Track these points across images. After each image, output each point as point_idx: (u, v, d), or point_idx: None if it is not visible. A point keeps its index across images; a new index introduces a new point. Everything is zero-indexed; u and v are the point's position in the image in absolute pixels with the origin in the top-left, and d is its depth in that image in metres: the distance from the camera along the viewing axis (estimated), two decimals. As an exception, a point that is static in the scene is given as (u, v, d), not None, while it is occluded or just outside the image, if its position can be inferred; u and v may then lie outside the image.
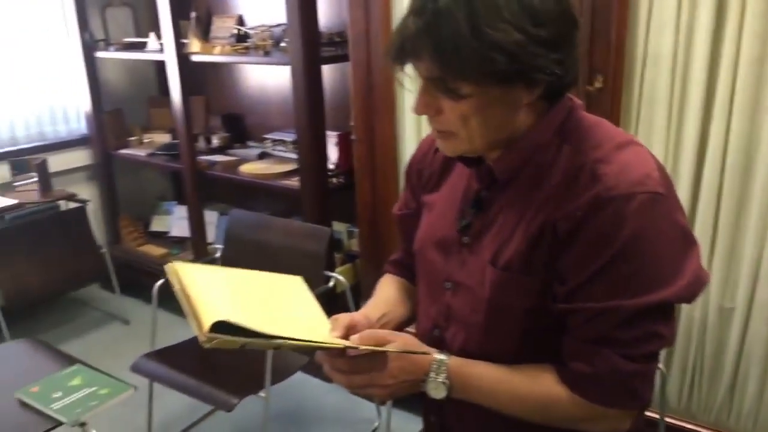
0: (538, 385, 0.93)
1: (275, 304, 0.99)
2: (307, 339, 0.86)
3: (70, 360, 1.65)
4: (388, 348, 0.91)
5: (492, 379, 0.94)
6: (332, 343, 0.89)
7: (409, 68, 0.91)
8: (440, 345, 1.01)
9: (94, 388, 1.47)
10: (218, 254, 2.39)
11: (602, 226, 0.84)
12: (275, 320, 0.92)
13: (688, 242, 0.89)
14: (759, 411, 1.79)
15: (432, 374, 0.93)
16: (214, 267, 1.04)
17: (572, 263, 0.88)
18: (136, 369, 1.97)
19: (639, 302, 0.85)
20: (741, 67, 1.56)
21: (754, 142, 1.60)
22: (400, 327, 1.15)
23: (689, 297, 0.88)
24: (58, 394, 1.46)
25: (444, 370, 0.93)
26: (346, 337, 0.93)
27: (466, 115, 0.87)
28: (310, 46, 2.36)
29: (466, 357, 0.96)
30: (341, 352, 0.90)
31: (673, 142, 1.70)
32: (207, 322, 0.80)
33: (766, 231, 1.64)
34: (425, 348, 0.96)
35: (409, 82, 0.94)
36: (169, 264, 0.93)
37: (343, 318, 0.97)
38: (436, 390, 0.93)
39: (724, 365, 1.81)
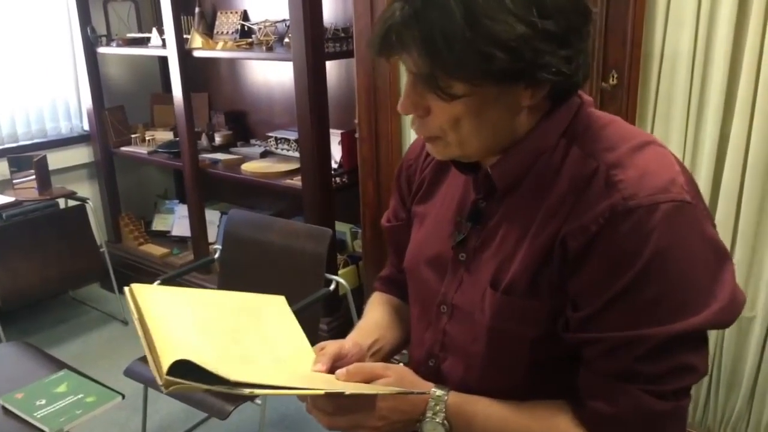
0: (551, 427, 0.82)
1: (251, 334, 0.88)
2: (280, 385, 0.74)
3: (58, 364, 1.59)
4: (379, 387, 0.81)
5: (498, 418, 0.84)
6: (311, 389, 0.77)
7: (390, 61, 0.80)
8: (437, 377, 0.91)
9: (80, 396, 1.41)
10: (217, 255, 2.32)
11: (621, 241, 0.72)
12: (248, 355, 0.82)
13: (721, 258, 0.77)
14: (779, 424, 1.71)
15: (429, 413, 0.83)
16: (182, 289, 0.92)
17: (586, 286, 0.76)
18: (129, 373, 1.91)
19: (667, 331, 0.73)
20: (764, 63, 1.49)
21: (778, 143, 1.53)
22: (394, 351, 1.05)
23: (725, 323, 0.76)
24: (42, 402, 1.40)
25: (442, 409, 0.83)
26: (332, 369, 0.84)
27: (458, 118, 0.76)
28: (313, 41, 2.29)
29: (467, 392, 0.86)
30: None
31: (691, 142, 1.63)
32: (166, 362, 0.69)
33: (789, 236, 1.56)
34: (421, 384, 0.86)
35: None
36: (129, 287, 0.83)
37: (330, 347, 0.87)
38: None
39: (742, 376, 1.73)
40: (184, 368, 0.69)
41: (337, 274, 2.32)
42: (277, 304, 0.98)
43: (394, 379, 0.82)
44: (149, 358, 0.73)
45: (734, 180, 1.58)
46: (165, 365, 0.69)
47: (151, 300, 0.81)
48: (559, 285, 0.78)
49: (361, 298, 2.49)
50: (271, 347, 0.87)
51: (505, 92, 0.75)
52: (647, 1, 1.59)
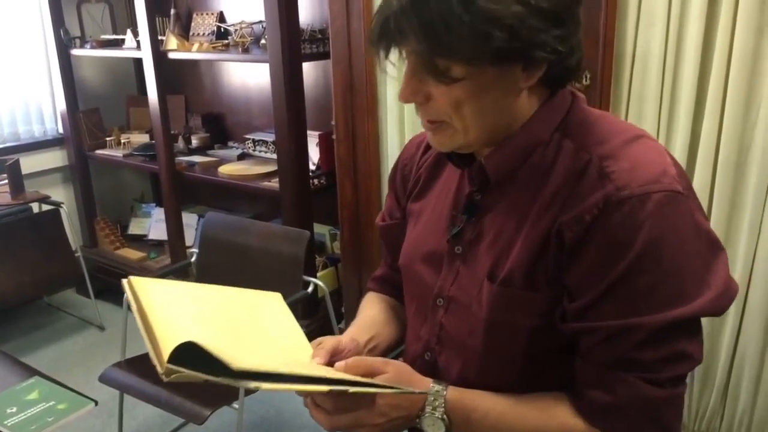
0: (551, 418, 0.83)
1: (249, 327, 0.87)
2: (285, 373, 0.72)
3: (30, 371, 1.56)
4: (378, 383, 0.80)
5: (497, 411, 0.84)
6: (315, 381, 0.75)
7: (389, 56, 0.80)
8: (433, 370, 0.92)
9: (51, 403, 1.38)
10: (193, 258, 2.30)
11: (615, 231, 0.74)
12: (248, 347, 0.81)
13: (715, 247, 0.79)
14: (752, 416, 1.73)
15: (428, 409, 0.82)
16: (179, 283, 0.92)
17: (583, 276, 0.77)
18: (104, 380, 1.88)
19: (662, 318, 0.74)
20: (734, 62, 1.51)
21: (747, 140, 1.55)
22: (389, 349, 1.05)
23: (718, 311, 0.77)
24: (13, 410, 1.37)
25: (441, 403, 0.82)
26: (330, 363, 0.83)
27: (459, 101, 0.77)
28: (289, 42, 2.28)
29: (464, 386, 0.86)
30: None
31: (663, 140, 1.64)
32: (167, 349, 0.68)
33: (759, 231, 1.59)
34: (419, 380, 0.85)
35: (393, 71, 0.84)
36: (126, 279, 0.82)
37: (328, 342, 0.87)
38: (434, 427, 0.83)
39: (716, 370, 1.75)
40: (185, 357, 0.68)
41: (315, 276, 2.31)
42: (274, 300, 0.98)
43: (393, 375, 0.82)
44: (149, 347, 0.72)
45: (705, 177, 1.60)
46: (166, 353, 0.68)
47: (150, 291, 0.80)
48: (556, 276, 0.80)
49: (339, 300, 2.49)
50: (269, 340, 0.87)
51: (503, 74, 0.77)
52: (619, 1, 1.61)
